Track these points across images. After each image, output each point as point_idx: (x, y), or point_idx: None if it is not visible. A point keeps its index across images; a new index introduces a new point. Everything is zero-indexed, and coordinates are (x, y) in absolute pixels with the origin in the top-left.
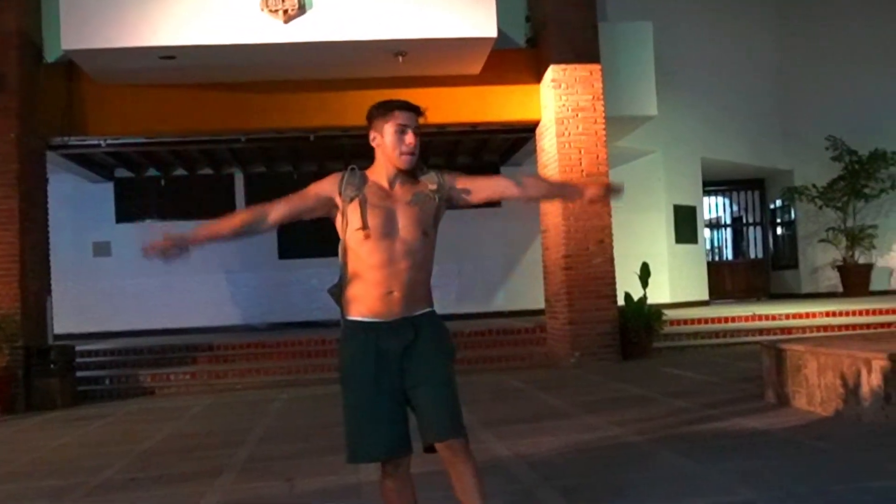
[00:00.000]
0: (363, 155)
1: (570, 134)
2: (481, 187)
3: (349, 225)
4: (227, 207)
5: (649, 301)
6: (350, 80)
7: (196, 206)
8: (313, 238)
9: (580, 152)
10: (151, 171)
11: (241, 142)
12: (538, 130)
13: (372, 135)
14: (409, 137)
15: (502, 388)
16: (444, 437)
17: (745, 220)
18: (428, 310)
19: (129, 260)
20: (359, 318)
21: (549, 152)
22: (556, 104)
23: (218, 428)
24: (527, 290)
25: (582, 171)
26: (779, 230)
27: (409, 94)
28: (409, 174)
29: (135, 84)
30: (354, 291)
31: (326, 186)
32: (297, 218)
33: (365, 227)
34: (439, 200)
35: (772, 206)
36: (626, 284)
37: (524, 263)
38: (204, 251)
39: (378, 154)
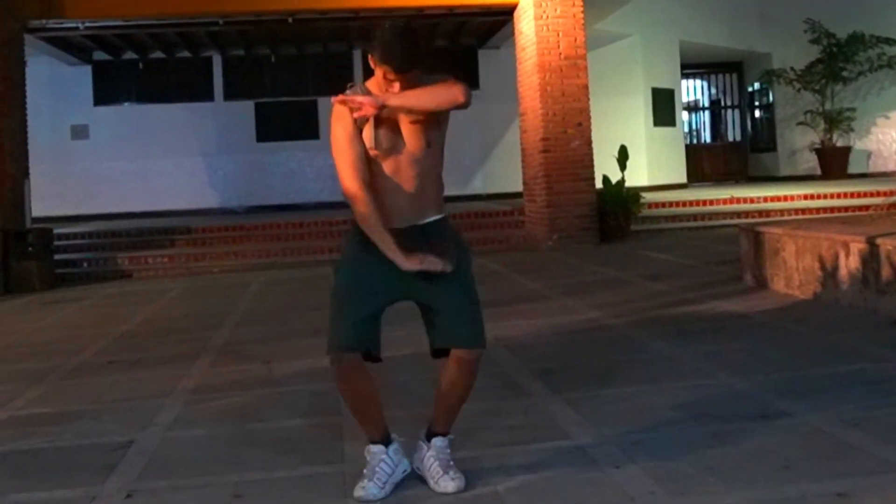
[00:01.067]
0: (340, 37)
1: (548, 17)
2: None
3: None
4: (205, 90)
5: (627, 184)
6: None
7: (174, 90)
8: (291, 121)
9: (558, 35)
10: (129, 54)
11: (219, 24)
12: (516, 13)
13: (370, 57)
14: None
15: (480, 272)
16: (467, 345)
17: (723, 103)
18: (437, 216)
19: (107, 143)
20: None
21: (527, 35)
22: None
23: (195, 311)
24: (504, 173)
25: (560, 53)
26: (757, 113)
27: None
28: (412, 78)
29: None
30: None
31: (347, 125)
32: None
33: (376, 146)
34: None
35: (750, 90)
36: (604, 167)
37: (502, 146)
38: (182, 134)
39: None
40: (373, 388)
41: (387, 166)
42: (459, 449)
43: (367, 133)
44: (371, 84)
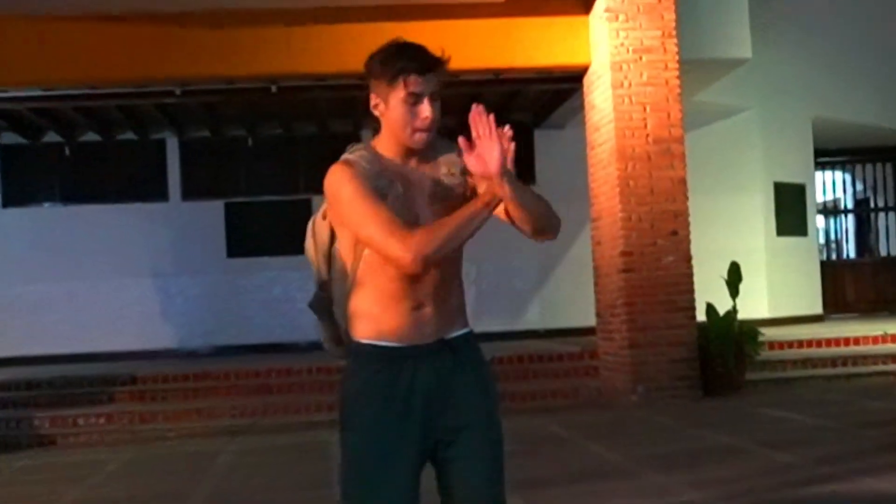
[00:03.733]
0: (342, 114)
1: (631, 84)
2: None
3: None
4: (157, 186)
5: (741, 316)
6: (326, 10)
7: (114, 185)
8: (273, 228)
9: (645, 110)
10: (52, 136)
11: (176, 95)
12: (586, 80)
13: (373, 100)
14: (425, 109)
15: (538, 436)
16: None
17: (873, 204)
18: (465, 330)
19: (20, 259)
20: (378, 342)
21: (602, 110)
22: (612, 43)
23: (143, 493)
24: (570, 302)
25: (647, 135)
26: None
27: (410, 29)
28: (427, 145)
29: (27, 15)
30: (368, 306)
31: (363, 177)
32: None
33: None
34: (467, 191)
35: None
36: (709, 293)
37: (566, 264)
38: (126, 246)
39: (384, 124)
40: None
41: None
42: None
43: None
44: (380, 143)
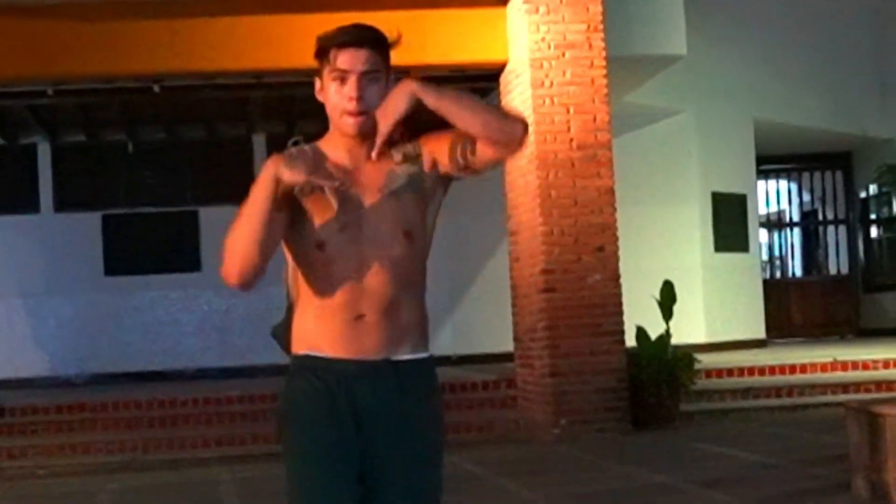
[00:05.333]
0: (234, 117)
1: (553, 83)
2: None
3: (306, 229)
4: (27, 196)
5: (675, 341)
6: (215, 0)
7: None
8: (156, 243)
9: (568, 111)
10: None
11: (47, 95)
12: (503, 78)
13: (317, 84)
14: (351, 87)
15: (448, 474)
16: None
17: (821, 217)
18: (421, 355)
19: None
20: (313, 353)
21: (522, 110)
22: (532, 38)
23: None
24: (485, 324)
25: (571, 140)
26: (873, 231)
27: (308, 22)
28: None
29: None
30: (307, 319)
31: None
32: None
33: (324, 229)
34: (432, 181)
35: (862, 195)
36: (640, 315)
37: (481, 283)
38: None
39: (328, 114)
40: None
41: (342, 261)
42: None
43: (315, 209)
44: (325, 142)
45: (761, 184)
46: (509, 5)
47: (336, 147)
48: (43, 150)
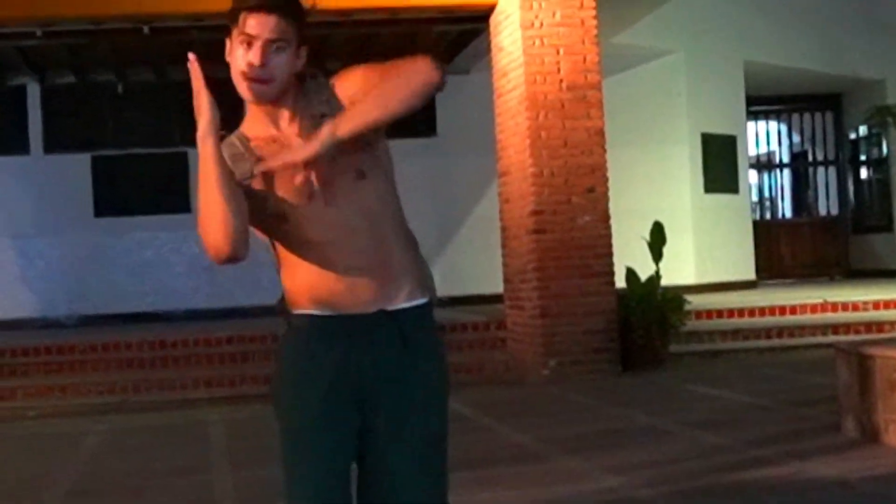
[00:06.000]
0: (223, 58)
1: (542, 24)
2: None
3: (257, 209)
4: (16, 138)
5: (664, 282)
6: None
7: None
8: (148, 184)
9: (558, 52)
10: None
11: (36, 37)
12: (492, 19)
13: (227, 45)
14: (255, 53)
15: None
16: None
17: (811, 158)
18: (420, 301)
19: None
20: (307, 311)
21: (511, 53)
22: None
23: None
24: (475, 266)
25: (561, 80)
26: (863, 173)
27: None
28: (298, 98)
29: None
30: (299, 278)
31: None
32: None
33: (293, 194)
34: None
35: (852, 136)
36: (629, 256)
37: (471, 224)
38: None
39: None
40: None
41: (311, 226)
42: None
43: (290, 180)
44: (248, 121)
45: (751, 125)
46: None
47: (257, 119)
48: (32, 91)
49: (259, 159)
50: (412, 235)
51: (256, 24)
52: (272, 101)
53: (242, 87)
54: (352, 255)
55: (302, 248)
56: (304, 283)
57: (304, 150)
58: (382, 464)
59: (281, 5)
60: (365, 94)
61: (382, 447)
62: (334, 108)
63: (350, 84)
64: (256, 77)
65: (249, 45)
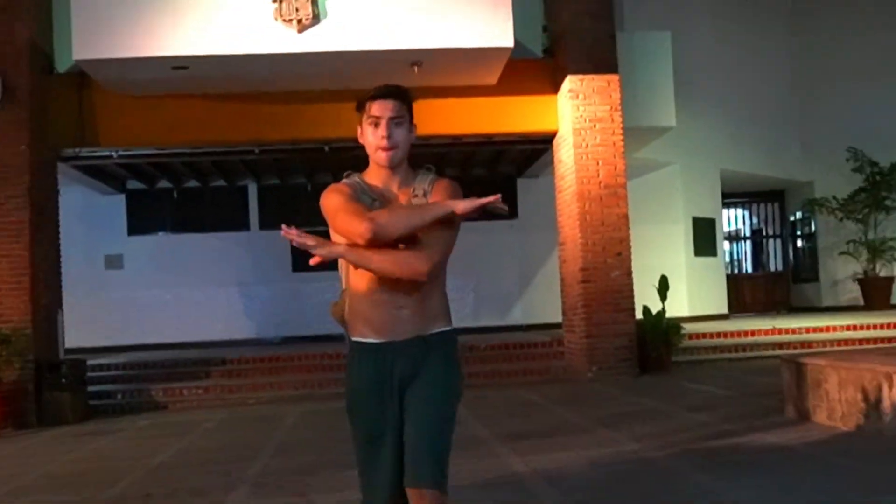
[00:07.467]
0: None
1: (587, 145)
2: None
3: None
4: (241, 220)
5: (668, 314)
6: (362, 91)
7: (209, 219)
8: None
9: (598, 164)
10: (164, 183)
11: (255, 153)
12: (555, 142)
13: (358, 130)
14: (382, 129)
15: (519, 403)
16: (418, 484)
17: (764, 233)
18: (444, 329)
19: (141, 272)
20: (365, 340)
21: (567, 163)
22: (574, 115)
23: (231, 442)
24: (544, 304)
25: (600, 182)
26: (799, 242)
27: (425, 105)
28: (408, 172)
29: (147, 94)
30: (359, 310)
31: (351, 194)
32: None
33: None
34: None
35: (792, 219)
36: (645, 297)
37: (541, 276)
38: (217, 263)
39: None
40: None
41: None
42: None
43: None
44: (367, 174)
45: (725, 211)
46: (559, 93)
47: (374, 178)
48: (252, 189)
49: (375, 199)
50: (444, 282)
51: (380, 108)
52: (392, 168)
53: (379, 157)
54: (403, 297)
55: (369, 281)
56: (363, 313)
57: (324, 248)
58: (407, 432)
59: (396, 93)
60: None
61: (408, 422)
62: (427, 194)
63: (439, 192)
64: (386, 146)
65: (377, 125)
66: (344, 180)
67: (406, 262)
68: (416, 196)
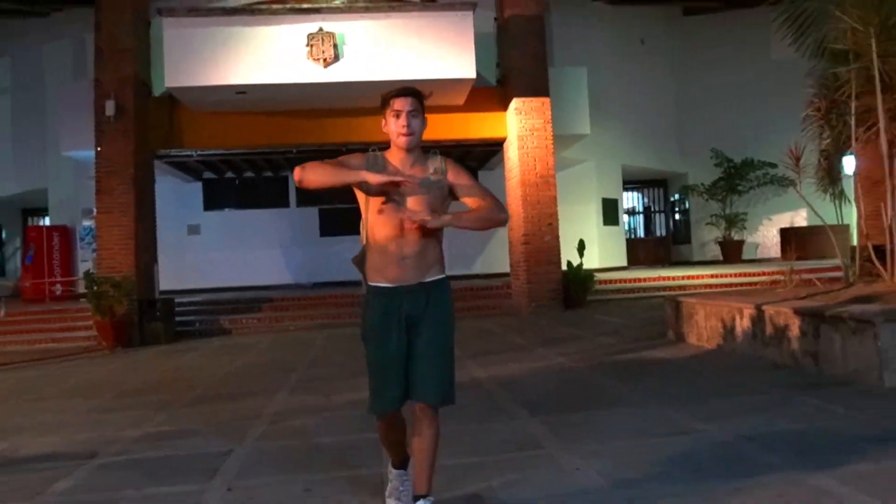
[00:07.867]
0: None
1: (527, 147)
2: (464, 192)
3: (370, 202)
4: (283, 200)
5: (584, 267)
6: (372, 109)
7: (261, 199)
8: (348, 219)
9: (535, 160)
10: (229, 174)
11: (293, 153)
12: (505, 145)
13: (382, 122)
14: (402, 119)
15: (481, 330)
16: (424, 399)
17: (653, 209)
18: (440, 276)
19: (213, 237)
20: (378, 284)
21: (513, 160)
22: (518, 126)
23: (277, 358)
24: (497, 258)
25: (536, 173)
26: (677, 216)
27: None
28: (420, 155)
29: (217, 111)
30: (374, 261)
31: (357, 163)
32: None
33: (384, 203)
34: (446, 188)
35: (672, 199)
36: (568, 255)
37: (495, 240)
38: (267, 231)
39: (390, 137)
40: (403, 430)
41: (393, 225)
42: (467, 455)
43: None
44: (388, 153)
45: (625, 194)
46: (508, 111)
47: (394, 157)
48: (291, 179)
49: (392, 172)
50: (441, 239)
51: (401, 103)
52: (409, 150)
53: (401, 141)
54: (408, 251)
55: (382, 237)
56: (377, 263)
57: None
58: (416, 360)
59: (413, 92)
60: (471, 205)
61: (416, 351)
62: (440, 173)
63: (460, 178)
64: (406, 133)
65: (398, 116)
66: (370, 153)
67: (490, 217)
68: (434, 173)
